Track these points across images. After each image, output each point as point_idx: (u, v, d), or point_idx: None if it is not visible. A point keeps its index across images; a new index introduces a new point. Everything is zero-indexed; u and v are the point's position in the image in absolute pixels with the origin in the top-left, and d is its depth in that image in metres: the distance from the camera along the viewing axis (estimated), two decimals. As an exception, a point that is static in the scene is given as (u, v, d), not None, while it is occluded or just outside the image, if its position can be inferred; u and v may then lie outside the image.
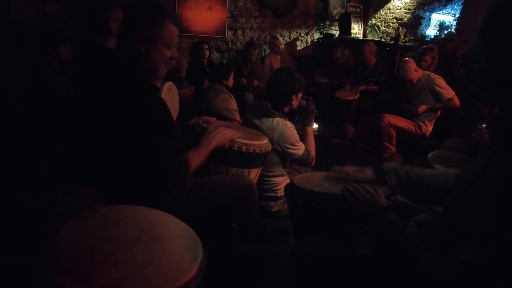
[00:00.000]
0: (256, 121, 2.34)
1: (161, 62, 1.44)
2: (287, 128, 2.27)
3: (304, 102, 2.45)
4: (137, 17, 1.41)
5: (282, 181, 2.46)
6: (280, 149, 2.30)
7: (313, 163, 2.43)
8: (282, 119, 2.31)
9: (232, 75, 3.67)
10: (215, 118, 2.14)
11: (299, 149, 2.31)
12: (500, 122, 0.90)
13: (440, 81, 3.47)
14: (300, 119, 2.62)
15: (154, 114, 1.42)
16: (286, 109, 2.39)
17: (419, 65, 3.73)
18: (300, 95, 2.39)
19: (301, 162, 2.38)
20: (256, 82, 4.94)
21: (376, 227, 1.12)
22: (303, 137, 2.43)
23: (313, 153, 2.42)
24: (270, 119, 2.30)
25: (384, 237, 1.08)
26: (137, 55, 1.40)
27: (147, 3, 1.43)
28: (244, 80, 4.77)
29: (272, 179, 2.45)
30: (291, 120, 2.44)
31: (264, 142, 2.07)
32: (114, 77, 1.44)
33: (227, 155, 1.94)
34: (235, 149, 1.92)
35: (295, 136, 2.30)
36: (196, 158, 1.55)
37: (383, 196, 1.24)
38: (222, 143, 1.70)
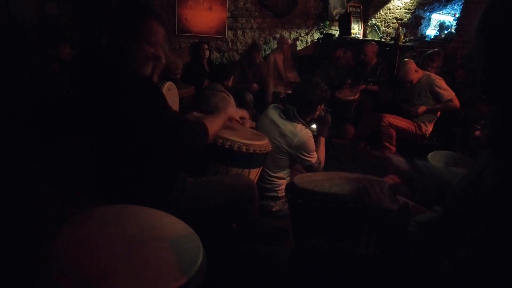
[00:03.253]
0: (277, 120, 2.40)
1: (142, 58, 1.43)
2: (308, 137, 2.35)
3: (323, 113, 2.53)
4: (122, 13, 1.43)
5: (284, 183, 2.48)
6: (294, 154, 2.36)
7: None
8: (304, 127, 2.39)
9: (233, 76, 3.67)
10: (205, 115, 2.14)
11: (313, 157, 2.40)
12: (499, 122, 0.89)
13: (440, 82, 3.46)
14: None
15: (154, 113, 1.42)
16: (308, 118, 2.47)
17: (423, 68, 3.70)
18: (323, 105, 2.48)
19: (311, 169, 2.44)
20: (255, 86, 4.87)
21: (379, 228, 1.11)
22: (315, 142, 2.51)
23: (323, 163, 2.51)
24: (294, 124, 2.37)
25: (385, 239, 1.08)
26: (121, 51, 1.40)
27: (134, 1, 1.45)
28: (256, 86, 4.74)
29: (275, 180, 2.48)
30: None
31: (264, 142, 2.08)
32: (111, 76, 1.44)
33: (227, 155, 1.94)
34: (235, 149, 1.92)
35: (313, 145, 2.39)
36: (212, 122, 1.59)
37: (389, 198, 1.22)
38: (234, 114, 1.83)
